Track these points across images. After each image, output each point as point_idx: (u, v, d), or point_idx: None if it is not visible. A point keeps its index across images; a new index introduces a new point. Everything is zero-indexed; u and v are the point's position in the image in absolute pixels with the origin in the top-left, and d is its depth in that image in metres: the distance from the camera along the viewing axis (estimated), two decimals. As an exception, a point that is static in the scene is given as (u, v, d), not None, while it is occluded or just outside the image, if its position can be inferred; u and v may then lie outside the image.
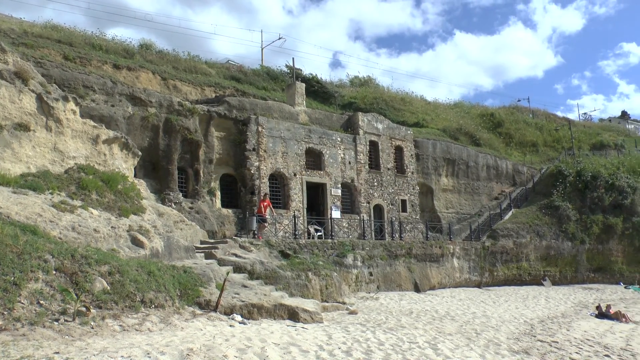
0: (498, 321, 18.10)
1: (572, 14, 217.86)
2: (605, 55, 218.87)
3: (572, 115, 73.16)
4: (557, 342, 15.32)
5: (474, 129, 42.60)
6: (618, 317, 22.16)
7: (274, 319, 13.49)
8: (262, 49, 46.20)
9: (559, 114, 66.75)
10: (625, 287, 33.32)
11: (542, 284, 32.07)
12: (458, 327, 15.72)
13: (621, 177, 37.85)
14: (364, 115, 29.95)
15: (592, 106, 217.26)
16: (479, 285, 29.80)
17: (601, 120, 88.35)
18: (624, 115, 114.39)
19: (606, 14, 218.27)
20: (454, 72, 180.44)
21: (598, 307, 23.46)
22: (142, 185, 19.25)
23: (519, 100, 62.06)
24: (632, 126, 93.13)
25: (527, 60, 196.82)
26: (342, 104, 39.21)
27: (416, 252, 26.16)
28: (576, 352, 14.28)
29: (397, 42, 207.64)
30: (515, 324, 18.14)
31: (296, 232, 23.53)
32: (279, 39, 44.87)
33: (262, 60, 44.08)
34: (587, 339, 16.87)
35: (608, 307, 23.54)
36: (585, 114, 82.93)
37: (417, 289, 24.83)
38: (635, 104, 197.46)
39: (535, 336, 16.02)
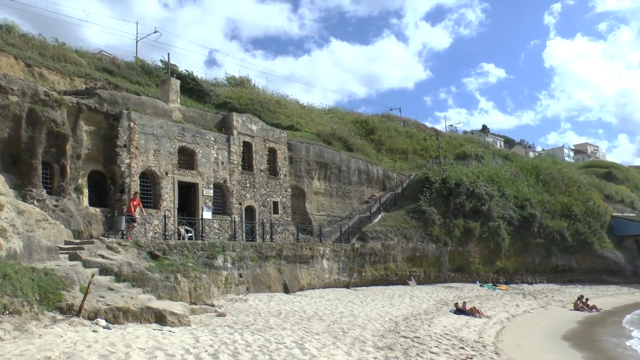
0: (365, 320, 18.79)
1: (440, 32, 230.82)
2: (469, 73, 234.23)
3: (440, 126, 77.58)
4: (419, 338, 16.25)
5: (347, 134, 43.88)
6: (473, 312, 23.82)
7: (141, 322, 13.35)
8: (136, 42, 44.71)
9: (428, 124, 70.49)
10: (480, 285, 36.02)
11: (408, 284, 33.66)
12: (325, 327, 16.19)
13: (480, 185, 40.74)
14: (239, 115, 29.92)
15: (457, 119, 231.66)
16: (347, 285, 30.64)
17: (465, 132, 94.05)
18: (485, 129, 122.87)
19: (470, 35, 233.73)
20: (328, 78, 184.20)
21: (456, 304, 25.04)
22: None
23: (391, 109, 64.74)
24: (491, 139, 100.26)
25: (399, 72, 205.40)
26: (217, 103, 38.92)
27: (287, 253, 26.45)
28: (435, 346, 15.18)
29: (274, 44, 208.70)
30: (381, 322, 18.93)
31: (166, 233, 23.00)
32: (155, 32, 43.52)
33: (136, 53, 42.66)
34: (445, 334, 17.99)
35: (464, 304, 25.23)
36: (451, 125, 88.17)
37: (286, 290, 25.09)
38: (494, 119, 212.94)
39: (399, 332, 16.87)
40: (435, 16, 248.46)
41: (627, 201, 60.49)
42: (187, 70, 39.73)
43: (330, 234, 33.32)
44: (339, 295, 26.70)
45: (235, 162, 28.45)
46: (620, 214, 51.88)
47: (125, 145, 23.47)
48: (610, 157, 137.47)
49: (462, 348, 15.68)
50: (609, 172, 76.37)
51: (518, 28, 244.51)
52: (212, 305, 17.99)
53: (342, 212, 37.26)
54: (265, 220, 29.30)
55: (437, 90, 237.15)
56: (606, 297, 36.12)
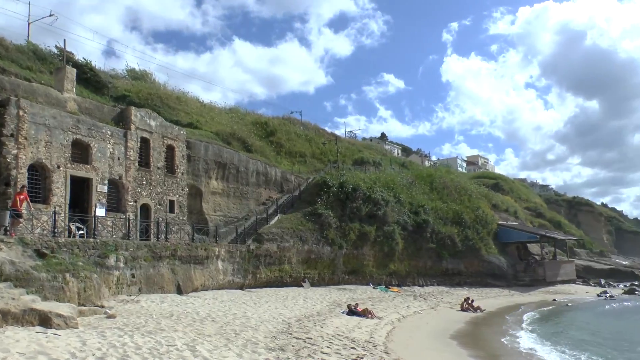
0: (257, 321, 19.06)
1: (343, 40, 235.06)
2: (369, 81, 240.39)
3: (339, 132, 79.01)
4: (311, 339, 16.69)
5: (247, 135, 44.05)
6: (365, 313, 24.72)
7: (23, 325, 12.73)
8: (28, 24, 42.16)
9: (327, 129, 71.73)
10: (373, 287, 37.31)
11: (302, 286, 34.31)
12: (218, 329, 16.29)
13: (377, 191, 42.17)
14: (138, 110, 29.30)
15: (356, 125, 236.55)
16: (242, 287, 30.80)
17: (364, 139, 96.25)
18: (383, 136, 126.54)
19: (371, 45, 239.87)
20: (230, 78, 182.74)
21: (349, 306, 25.84)
22: None
23: (291, 113, 65.41)
24: (389, 147, 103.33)
25: (301, 76, 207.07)
26: (115, 95, 37.78)
27: (181, 253, 26.20)
28: (327, 347, 15.66)
29: (175, 39, 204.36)
30: (273, 323, 19.18)
31: (56, 230, 22.03)
32: (50, 15, 41.12)
33: (28, 36, 40.26)
34: (337, 334, 18.55)
35: (357, 305, 26.13)
36: (350, 131, 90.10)
37: (180, 291, 24.85)
38: (392, 128, 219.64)
39: (291, 334, 17.22)
40: (338, 24, 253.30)
41: (511, 210, 64.60)
42: (84, 59, 38.19)
43: (227, 234, 33.31)
44: (233, 296, 26.74)
45: (132, 158, 27.80)
46: (505, 223, 55.39)
47: (12, 135, 22.23)
48: (498, 170, 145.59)
49: (353, 348, 16.28)
50: (497, 183, 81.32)
51: (418, 42, 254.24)
52: (102, 307, 17.53)
53: (239, 213, 37.35)
54: (161, 219, 28.92)
55: (338, 97, 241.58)
56: (489, 298, 38.53)
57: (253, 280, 32.12)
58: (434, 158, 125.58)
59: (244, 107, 59.56)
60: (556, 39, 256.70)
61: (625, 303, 39.60)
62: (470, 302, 32.45)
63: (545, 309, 35.82)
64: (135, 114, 28.63)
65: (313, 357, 13.94)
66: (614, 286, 51.17)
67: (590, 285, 51.34)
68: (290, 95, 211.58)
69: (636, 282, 53.38)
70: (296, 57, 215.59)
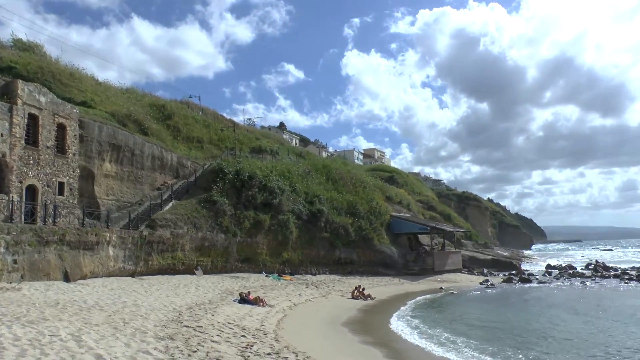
0: (148, 310, 18.94)
1: (244, 26, 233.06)
2: (269, 70, 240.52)
3: (238, 119, 78.41)
4: (202, 327, 16.87)
5: (143, 117, 43.10)
6: (257, 302, 25.09)
7: None
8: None
9: (226, 115, 71.11)
10: (266, 276, 37.78)
11: (195, 273, 34.09)
12: (106, 317, 16.04)
13: (273, 180, 42.60)
14: (25, 84, 27.82)
15: (255, 113, 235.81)
16: (133, 274, 30.33)
17: (262, 127, 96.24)
18: (282, 126, 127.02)
19: (273, 33, 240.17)
20: (127, 57, 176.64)
21: (241, 294, 26.11)
22: None
23: (190, 97, 64.52)
24: (287, 136, 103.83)
25: (200, 60, 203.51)
26: None
27: (70, 239, 25.41)
28: (217, 335, 15.85)
29: (69, 10, 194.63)
30: (164, 311, 19.16)
31: None
32: None
33: None
34: (228, 323, 18.76)
35: (249, 293, 26.48)
36: (249, 119, 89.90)
37: (67, 278, 24.12)
38: (291, 117, 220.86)
39: (182, 322, 17.30)
40: (240, 10, 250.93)
41: (404, 203, 67.07)
42: (-43, 23, 35.59)
43: (119, 219, 32.58)
44: (124, 284, 26.25)
45: (17, 135, 26.47)
46: (398, 214, 57.47)
47: None
48: (394, 163, 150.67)
49: (243, 336, 16.55)
50: (392, 176, 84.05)
51: (320, 35, 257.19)
52: (-25, 295, 16.60)
53: (132, 197, 36.61)
54: (49, 201, 27.84)
55: (237, 83, 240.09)
56: (380, 287, 40.04)
57: (145, 267, 31.67)
58: (331, 149, 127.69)
59: (141, 88, 57.55)
60: (452, 43, 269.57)
61: (499, 290, 42.44)
62: (361, 290, 33.61)
63: (432, 296, 37.78)
64: (23, 88, 27.16)
65: (203, 346, 14.02)
66: (495, 275, 54.56)
67: (474, 275, 54.36)
68: (189, 78, 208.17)
69: (514, 272, 57.26)
70: (196, 40, 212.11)
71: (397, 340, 21.06)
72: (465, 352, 18.56)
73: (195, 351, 13.21)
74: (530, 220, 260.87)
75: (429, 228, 56.30)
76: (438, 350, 18.81)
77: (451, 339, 20.98)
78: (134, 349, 12.32)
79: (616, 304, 32.46)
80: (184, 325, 16.62)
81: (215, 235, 36.99)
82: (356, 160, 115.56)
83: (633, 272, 54.99)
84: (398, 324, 24.60)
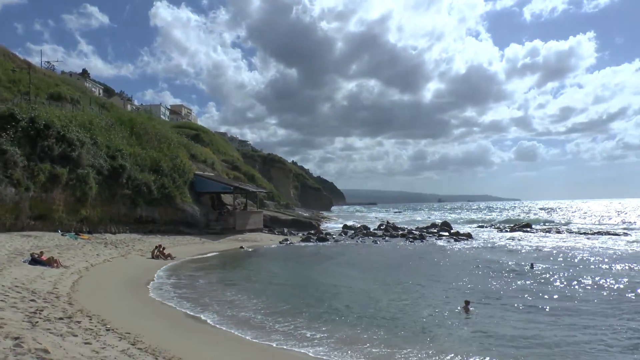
0: None
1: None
2: (70, 9, 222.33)
3: (34, 61, 72.15)
4: (-16, 292, 15.61)
5: None
6: (50, 262, 23.94)
7: None
8: None
9: (19, 55, 64.79)
10: (62, 234, 35.95)
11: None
12: None
13: (73, 131, 40.28)
14: None
15: (54, 56, 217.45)
16: None
17: (63, 72, 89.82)
18: (85, 73, 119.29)
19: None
20: None
21: (32, 254, 24.58)
22: None
23: (-28, 29, 57.75)
24: (90, 85, 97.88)
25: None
26: None
27: None
28: (1, 300, 14.70)
29: None
30: None
31: None
32: None
33: None
34: (16, 286, 17.65)
35: (41, 253, 25.07)
36: (48, 62, 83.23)
37: None
38: (94, 65, 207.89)
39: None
40: None
41: (209, 162, 67.23)
42: None
43: None
44: None
45: None
46: (202, 173, 57.55)
47: None
48: (200, 122, 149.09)
49: (33, 300, 15.65)
50: (198, 135, 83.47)
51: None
52: None
53: None
54: None
55: (32, 20, 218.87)
56: (182, 246, 40.18)
57: None
58: (136, 102, 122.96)
59: None
60: (264, 7, 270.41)
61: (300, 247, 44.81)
62: (162, 249, 33.49)
63: (232, 254, 38.90)
64: None
65: (-17, 313, 13.13)
66: (295, 234, 57.24)
67: (275, 234, 56.55)
68: None
69: (312, 231, 60.58)
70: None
71: (201, 299, 21.55)
72: (262, 310, 19.43)
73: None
74: (332, 183, 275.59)
75: (232, 188, 57.28)
76: (232, 310, 19.51)
77: (248, 296, 21.93)
78: None
79: (394, 258, 36.04)
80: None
81: (4, 188, 34.03)
82: (162, 116, 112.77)
83: (417, 232, 61.90)
84: (199, 284, 25.10)
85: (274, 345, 14.59)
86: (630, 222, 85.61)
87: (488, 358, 13.62)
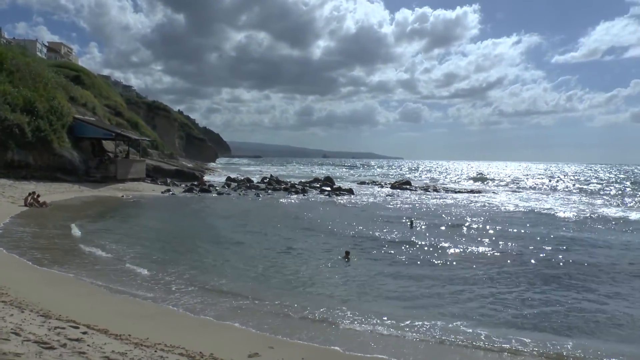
0: None
1: None
2: None
3: None
4: None
5: None
6: None
7: None
8: None
9: None
10: None
11: None
12: None
13: None
14: None
15: None
16: None
17: None
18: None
19: None
20: None
21: None
22: None
23: None
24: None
25: None
26: None
27: None
28: None
29: None
30: None
31: None
32: None
33: None
34: None
35: None
36: None
37: None
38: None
39: None
40: None
41: (89, 106, 63.69)
42: None
43: None
44: None
45: None
46: (82, 117, 54.42)
47: None
48: (81, 62, 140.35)
49: None
50: (78, 76, 78.54)
51: None
52: None
53: None
54: None
55: None
56: (58, 194, 38.10)
57: None
58: (7, 35, 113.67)
59: None
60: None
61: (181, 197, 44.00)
62: (36, 197, 31.49)
63: (112, 204, 37.43)
64: None
65: None
66: (178, 185, 55.86)
67: (158, 184, 54.92)
68: None
69: (196, 183, 59.37)
70: None
71: (77, 241, 20.70)
72: (136, 260, 18.87)
73: None
74: (217, 135, 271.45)
75: (114, 134, 54.84)
76: (108, 262, 18.79)
77: (125, 249, 21.07)
78: None
79: (275, 210, 36.29)
80: None
81: None
82: (39, 53, 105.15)
83: (299, 186, 62.60)
84: (65, 232, 23.88)
85: (142, 295, 14.15)
86: (497, 182, 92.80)
87: (365, 300, 14.59)
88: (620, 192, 74.84)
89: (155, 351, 8.95)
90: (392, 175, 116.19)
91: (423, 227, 30.99)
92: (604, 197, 64.73)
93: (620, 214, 43.30)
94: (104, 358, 7.90)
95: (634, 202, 56.23)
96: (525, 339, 11.74)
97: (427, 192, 65.25)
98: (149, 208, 37.89)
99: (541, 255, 22.82)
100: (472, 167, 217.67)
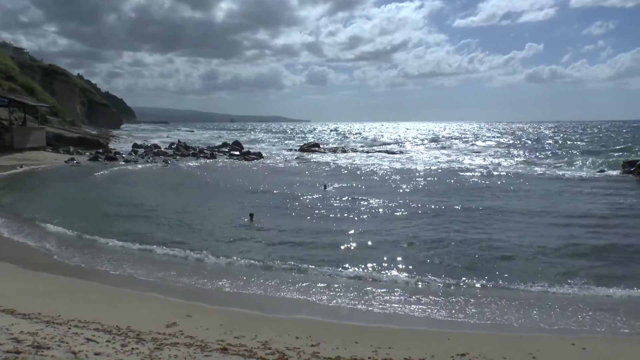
0: None
1: None
2: None
3: None
4: None
5: None
6: None
7: None
8: None
9: None
10: None
11: None
12: None
13: None
14: None
15: None
16: None
17: None
18: None
19: None
20: None
21: None
22: None
23: None
24: None
25: None
26: None
27: None
28: None
29: None
30: None
31: None
32: None
33: None
34: None
35: None
36: None
37: None
38: None
39: None
40: None
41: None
42: None
43: None
44: None
45: None
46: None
47: None
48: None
49: None
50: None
51: None
52: None
53: None
54: None
55: None
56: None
57: None
58: None
59: None
60: None
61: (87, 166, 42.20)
62: None
63: (9, 174, 35.38)
64: None
65: None
66: (82, 154, 53.39)
67: (60, 153, 52.25)
68: None
69: (101, 150, 56.81)
70: None
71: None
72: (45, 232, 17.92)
73: None
74: (121, 100, 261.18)
75: (7, 100, 51.75)
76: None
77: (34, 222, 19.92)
78: None
79: (183, 177, 35.59)
80: None
81: None
82: None
83: (208, 152, 62.42)
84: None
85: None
86: (402, 141, 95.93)
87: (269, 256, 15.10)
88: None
89: (69, 328, 8.38)
90: (300, 137, 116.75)
91: (334, 189, 31.22)
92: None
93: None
94: (11, 339, 7.29)
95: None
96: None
97: (337, 153, 66.18)
98: (52, 178, 35.57)
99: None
100: (378, 128, 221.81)
